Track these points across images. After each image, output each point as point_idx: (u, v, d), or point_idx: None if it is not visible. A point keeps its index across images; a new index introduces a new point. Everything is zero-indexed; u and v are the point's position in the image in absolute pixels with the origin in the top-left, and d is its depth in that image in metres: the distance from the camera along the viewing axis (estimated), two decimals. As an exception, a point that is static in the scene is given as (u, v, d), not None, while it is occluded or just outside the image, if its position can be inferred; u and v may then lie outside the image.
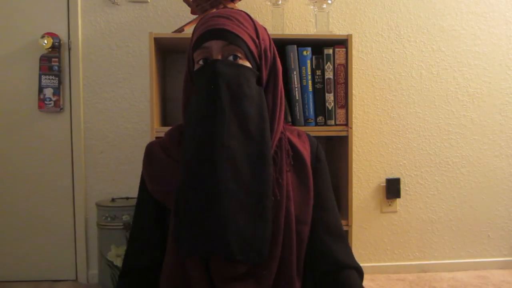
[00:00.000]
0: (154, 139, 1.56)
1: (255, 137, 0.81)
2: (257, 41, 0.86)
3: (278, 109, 0.88)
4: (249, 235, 0.78)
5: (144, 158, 0.91)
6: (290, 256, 0.83)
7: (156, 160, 0.89)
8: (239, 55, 0.83)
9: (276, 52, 0.92)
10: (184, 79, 0.91)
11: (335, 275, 0.87)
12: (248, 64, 0.85)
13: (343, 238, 0.92)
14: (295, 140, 0.92)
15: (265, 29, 0.92)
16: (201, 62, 0.84)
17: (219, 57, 0.83)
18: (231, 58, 0.83)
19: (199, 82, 0.84)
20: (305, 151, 0.91)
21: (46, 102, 1.89)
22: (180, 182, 0.82)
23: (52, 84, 1.89)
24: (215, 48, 0.82)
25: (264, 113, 0.83)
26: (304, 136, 0.95)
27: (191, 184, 0.79)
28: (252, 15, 0.90)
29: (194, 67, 0.86)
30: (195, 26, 0.89)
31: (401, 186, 2.06)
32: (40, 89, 1.89)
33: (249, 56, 0.84)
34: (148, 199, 0.89)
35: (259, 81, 0.87)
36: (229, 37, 0.82)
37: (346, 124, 1.64)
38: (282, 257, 0.83)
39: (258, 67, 0.87)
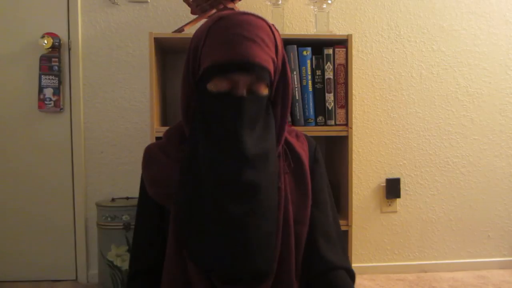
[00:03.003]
0: (154, 139, 1.56)
1: (270, 166, 0.81)
2: (275, 60, 0.82)
3: (285, 120, 0.87)
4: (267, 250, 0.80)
5: (143, 161, 0.90)
6: (289, 257, 0.83)
7: (155, 162, 0.88)
8: (263, 89, 0.81)
9: (286, 59, 0.87)
10: (184, 81, 0.86)
11: (324, 275, 0.87)
12: (267, 91, 0.82)
13: (337, 239, 0.92)
14: (293, 141, 0.92)
15: (278, 33, 0.86)
16: (220, 90, 0.79)
17: (244, 92, 0.79)
18: (254, 92, 0.81)
19: (216, 115, 0.80)
20: (303, 152, 0.91)
21: (46, 102, 1.89)
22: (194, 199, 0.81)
23: (52, 84, 1.89)
24: (242, 83, 0.78)
25: (272, 135, 0.84)
26: (302, 137, 0.95)
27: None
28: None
29: (208, 86, 0.80)
30: (209, 32, 0.80)
31: (401, 186, 2.06)
32: (40, 89, 1.89)
33: (268, 83, 0.82)
34: (148, 201, 0.90)
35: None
36: (257, 72, 0.78)
37: (346, 124, 1.64)
38: (281, 258, 0.83)
39: (271, 83, 0.83)
